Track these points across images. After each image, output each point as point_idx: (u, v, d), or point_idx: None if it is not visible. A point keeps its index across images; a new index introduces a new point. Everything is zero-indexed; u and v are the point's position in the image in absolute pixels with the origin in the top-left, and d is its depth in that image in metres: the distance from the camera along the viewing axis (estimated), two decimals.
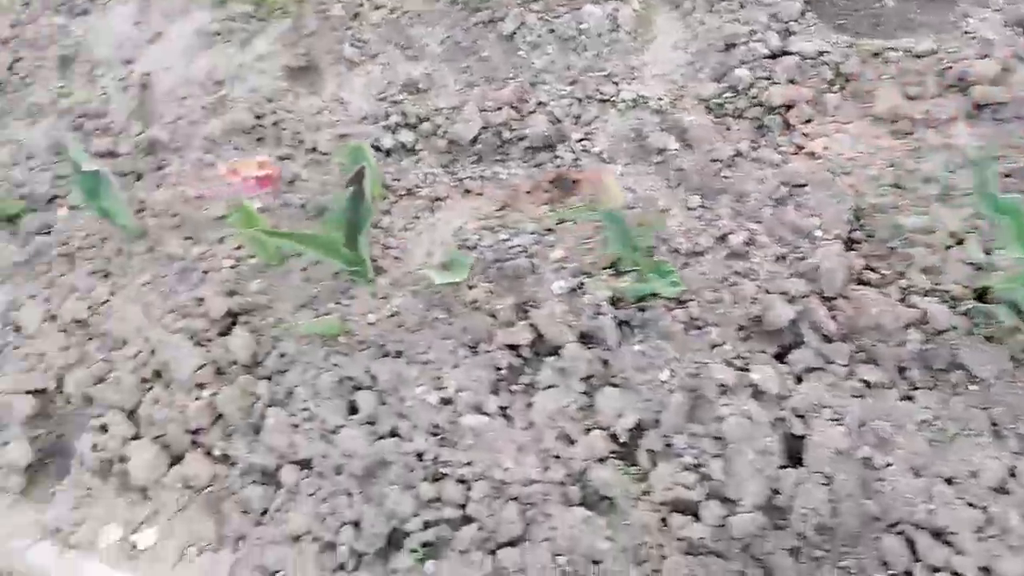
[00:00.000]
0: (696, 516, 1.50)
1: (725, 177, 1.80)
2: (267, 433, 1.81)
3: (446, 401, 1.74)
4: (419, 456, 1.70)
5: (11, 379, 2.11)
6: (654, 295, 1.70)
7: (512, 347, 1.76)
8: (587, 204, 1.88)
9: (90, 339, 2.13)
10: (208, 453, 1.91)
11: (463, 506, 1.63)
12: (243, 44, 2.58)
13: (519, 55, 2.17)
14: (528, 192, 1.98)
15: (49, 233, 2.39)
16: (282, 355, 1.92)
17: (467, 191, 2.06)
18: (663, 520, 1.51)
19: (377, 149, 2.19)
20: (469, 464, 1.65)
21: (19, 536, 1.91)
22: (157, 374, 2.02)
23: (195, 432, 1.92)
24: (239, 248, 2.15)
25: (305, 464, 1.78)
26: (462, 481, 1.65)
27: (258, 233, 1.86)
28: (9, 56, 2.83)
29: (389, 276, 1.98)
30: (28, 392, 2.09)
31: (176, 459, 1.92)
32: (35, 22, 2.91)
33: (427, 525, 1.63)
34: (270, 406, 1.86)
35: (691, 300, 1.66)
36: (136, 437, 1.97)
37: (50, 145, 2.55)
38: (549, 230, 1.88)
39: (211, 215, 2.24)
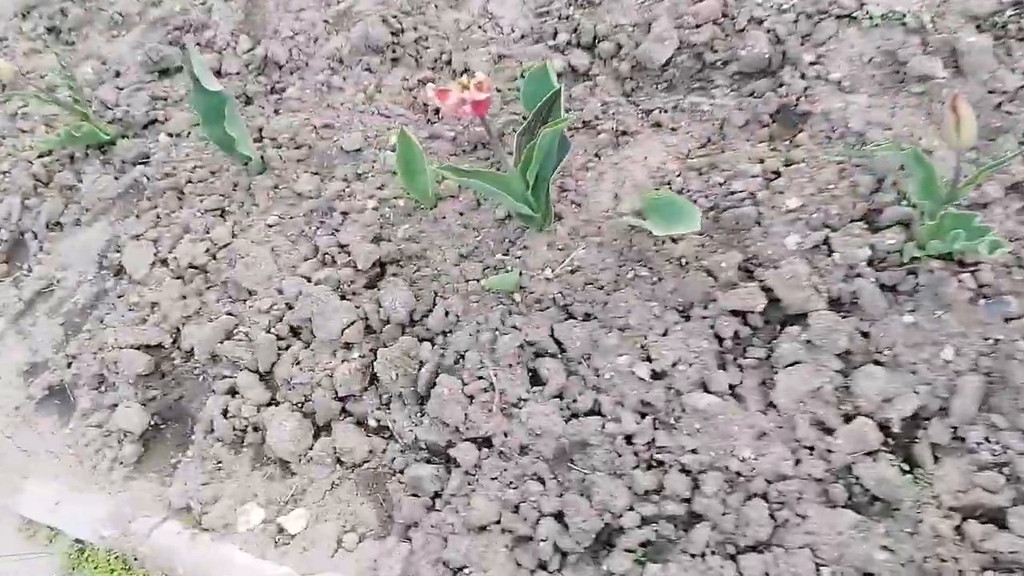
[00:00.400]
0: (1002, 525, 1.24)
1: (1008, 113, 1.49)
2: (436, 404, 1.56)
3: (658, 375, 1.47)
4: (628, 439, 1.44)
5: (119, 331, 1.87)
6: (933, 257, 1.40)
7: (737, 313, 1.49)
8: (823, 144, 1.57)
9: (210, 287, 1.88)
10: (360, 424, 1.67)
11: (688, 500, 1.38)
12: None
13: None
14: (740, 127, 1.67)
15: (147, 162, 2.12)
16: (447, 313, 1.65)
17: (657, 124, 1.76)
18: (957, 528, 1.26)
19: None
20: (694, 452, 1.40)
21: (139, 514, 1.68)
22: (294, 331, 1.78)
23: (343, 399, 1.68)
24: (381, 187, 1.86)
25: (484, 442, 1.54)
26: (686, 471, 1.40)
27: (437, 170, 1.56)
28: None
29: (566, 224, 1.70)
30: (139, 347, 1.85)
31: (321, 429, 1.69)
32: None
33: (645, 521, 1.38)
34: (438, 373, 1.60)
35: (979, 264, 1.37)
36: (272, 403, 1.74)
37: (143, 61, 2.26)
38: (776, 173, 1.58)
39: (342, 146, 1.95)
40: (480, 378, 1.58)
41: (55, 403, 1.92)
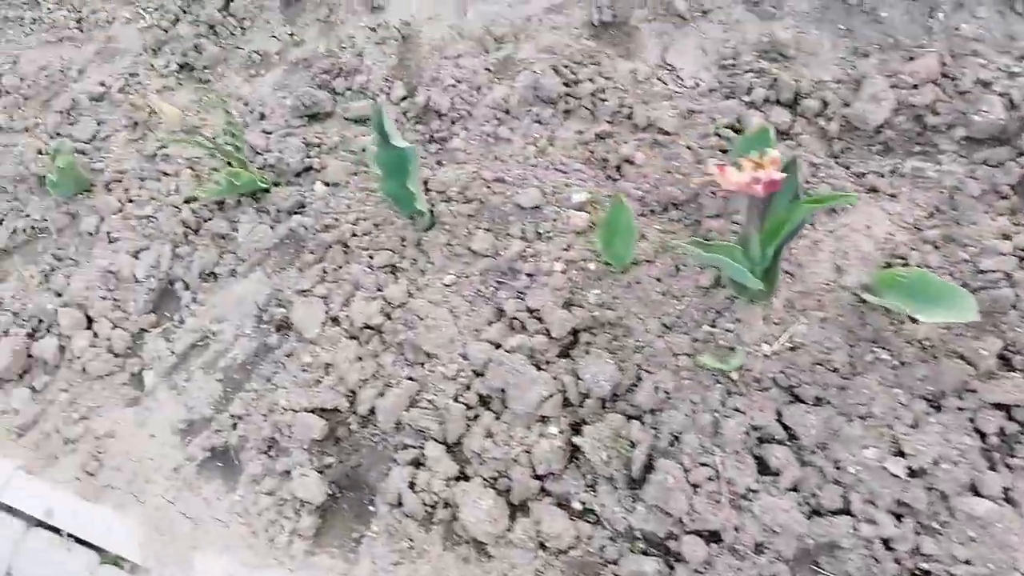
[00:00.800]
0: None
1: None
2: (657, 491, 1.45)
3: (915, 473, 1.35)
4: (887, 544, 1.32)
5: (291, 393, 1.78)
6: None
7: (1001, 406, 1.37)
8: None
9: (387, 349, 1.78)
10: (561, 505, 1.56)
11: None
12: None
13: (935, 17, 1.72)
14: (975, 198, 1.55)
15: (304, 212, 2.04)
16: (657, 389, 1.54)
17: (873, 190, 1.66)
18: None
19: (737, 131, 1.77)
20: (968, 563, 1.28)
21: None
22: (483, 401, 1.67)
23: (541, 478, 1.57)
24: (567, 248, 1.76)
25: (712, 536, 1.42)
26: None
27: (673, 244, 1.46)
28: None
29: (780, 295, 1.59)
30: (314, 410, 1.75)
31: (516, 509, 1.58)
32: None
33: None
34: (652, 455, 1.49)
35: None
36: (462, 477, 1.63)
37: (293, 105, 2.18)
38: None
39: (519, 202, 1.85)
40: (703, 464, 1.48)
41: (218, 466, 1.83)
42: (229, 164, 2.08)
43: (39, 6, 2.74)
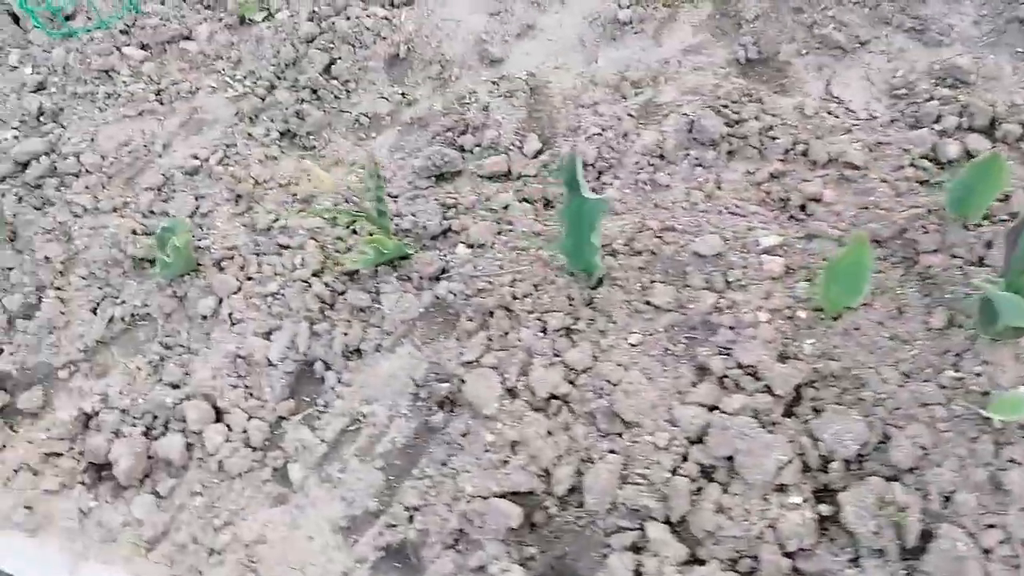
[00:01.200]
0: None
1: None
2: (939, 559, 1.30)
3: None
4: None
5: (475, 477, 1.60)
6: None
7: None
8: None
9: (578, 420, 1.62)
10: None
11: None
12: (656, 35, 2.08)
13: None
14: None
15: (449, 277, 1.88)
16: (917, 444, 1.39)
17: None
18: None
19: (933, 161, 1.67)
20: None
21: None
22: (705, 472, 1.50)
23: (791, 555, 1.40)
24: (767, 296, 1.63)
25: None
26: None
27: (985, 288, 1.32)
28: (323, 56, 2.34)
29: None
30: (505, 495, 1.57)
31: None
32: (345, 13, 2.42)
33: None
34: (926, 520, 1.33)
35: None
36: (694, 560, 1.45)
37: (422, 166, 2.05)
38: None
39: (697, 251, 1.72)
40: (990, 526, 1.32)
41: (395, 566, 1.63)
42: (369, 233, 1.93)
43: (112, 80, 2.61)
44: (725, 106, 1.90)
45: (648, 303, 1.73)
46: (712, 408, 1.56)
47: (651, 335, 1.70)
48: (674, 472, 1.52)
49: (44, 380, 2.17)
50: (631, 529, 1.51)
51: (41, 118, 2.56)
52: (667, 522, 1.50)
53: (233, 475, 1.82)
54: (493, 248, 1.93)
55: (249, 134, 2.36)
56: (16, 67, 2.70)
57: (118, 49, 2.63)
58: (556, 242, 1.81)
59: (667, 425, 1.57)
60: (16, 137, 2.55)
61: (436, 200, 2.04)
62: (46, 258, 2.28)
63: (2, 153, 2.52)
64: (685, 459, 1.53)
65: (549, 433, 1.63)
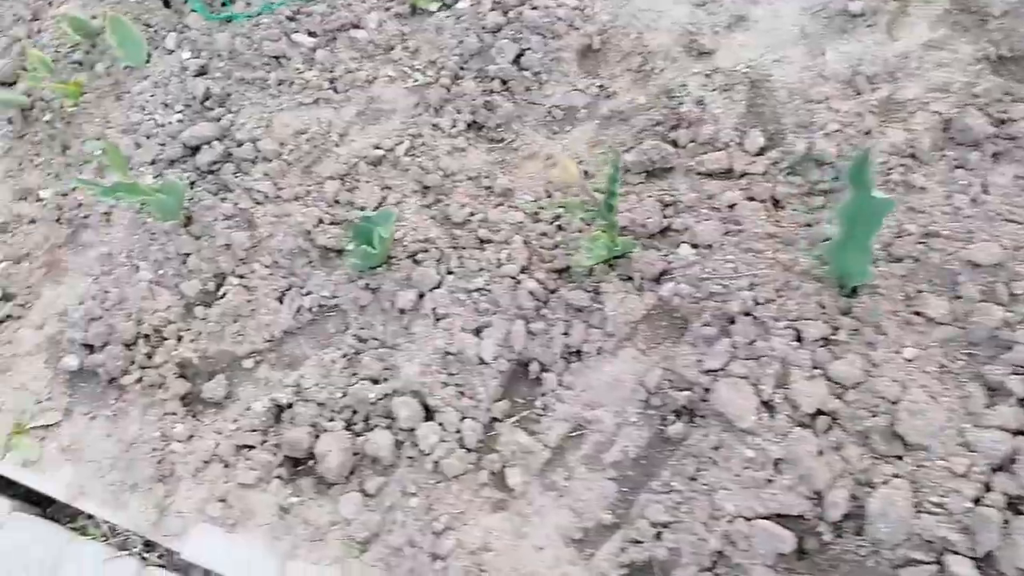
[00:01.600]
0: None
1: None
2: None
3: None
4: None
5: (735, 495, 1.47)
6: None
7: None
8: None
9: (850, 439, 1.47)
10: None
11: None
12: (890, 28, 1.94)
13: None
14: None
15: (672, 278, 1.76)
16: None
17: None
18: None
19: None
20: None
21: None
22: (1012, 503, 1.35)
23: None
24: None
25: None
26: None
27: None
28: (513, 47, 2.24)
29: None
30: (772, 517, 1.43)
31: None
32: (531, 3, 2.31)
33: None
34: None
35: None
36: None
37: (635, 161, 1.95)
38: None
39: (971, 259, 1.57)
40: None
41: None
42: (600, 229, 1.81)
43: (283, 67, 2.55)
44: (987, 104, 1.75)
45: (918, 314, 1.59)
46: (1017, 433, 1.40)
47: (925, 349, 1.55)
48: (976, 502, 1.36)
49: (227, 369, 2.11)
50: (926, 563, 1.36)
51: (206, 102, 2.51)
52: (973, 557, 1.34)
53: (450, 477, 1.71)
54: (722, 249, 1.80)
55: (434, 125, 2.27)
56: (173, 51, 2.66)
57: (287, 35, 2.58)
58: (815, 245, 1.69)
59: (961, 449, 1.42)
60: (181, 121, 2.52)
61: (651, 197, 1.92)
62: (226, 245, 2.23)
63: (169, 137, 2.48)
64: (988, 488, 1.38)
65: (820, 452, 1.49)
